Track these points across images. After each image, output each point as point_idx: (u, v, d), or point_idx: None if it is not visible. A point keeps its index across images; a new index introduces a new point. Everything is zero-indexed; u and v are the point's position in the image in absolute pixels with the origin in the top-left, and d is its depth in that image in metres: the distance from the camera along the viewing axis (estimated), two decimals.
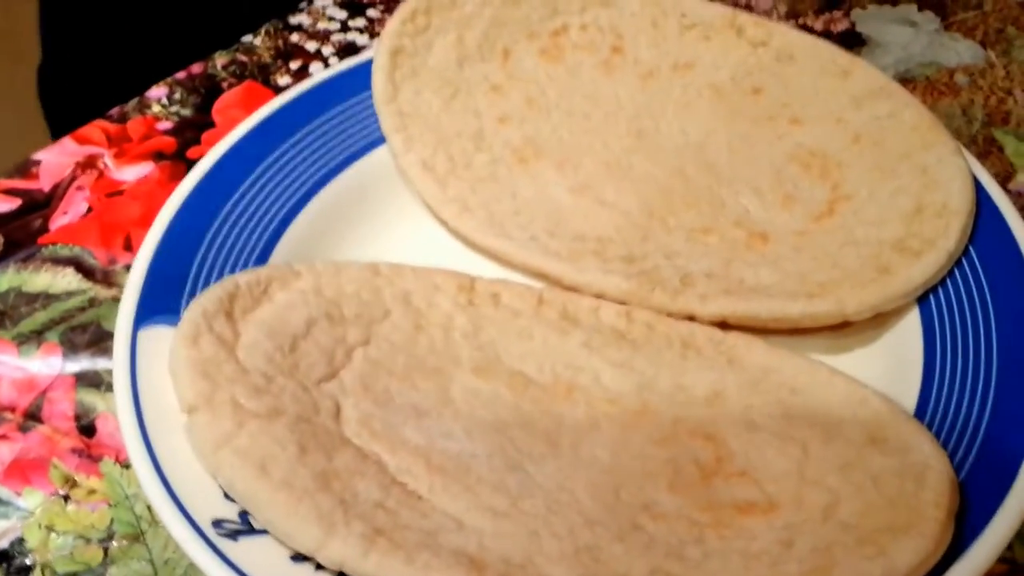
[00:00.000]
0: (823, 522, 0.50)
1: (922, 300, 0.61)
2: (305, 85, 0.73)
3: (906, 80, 0.87)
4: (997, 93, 0.86)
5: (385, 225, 0.70)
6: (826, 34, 0.93)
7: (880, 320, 0.61)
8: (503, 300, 0.62)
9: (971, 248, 0.62)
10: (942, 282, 0.61)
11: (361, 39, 0.94)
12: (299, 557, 0.49)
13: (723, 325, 0.60)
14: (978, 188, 0.64)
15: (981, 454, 0.52)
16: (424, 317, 0.60)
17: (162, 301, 0.59)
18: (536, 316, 0.61)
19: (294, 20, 0.96)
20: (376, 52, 0.72)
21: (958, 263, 0.61)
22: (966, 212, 0.61)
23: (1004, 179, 0.78)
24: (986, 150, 0.80)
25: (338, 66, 0.75)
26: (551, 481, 0.52)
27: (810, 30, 0.93)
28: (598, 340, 0.60)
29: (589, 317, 0.61)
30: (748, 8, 0.96)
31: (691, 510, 0.51)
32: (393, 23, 0.72)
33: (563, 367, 0.59)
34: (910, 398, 0.57)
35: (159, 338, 0.56)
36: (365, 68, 0.72)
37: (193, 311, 0.55)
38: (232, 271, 0.62)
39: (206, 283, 0.61)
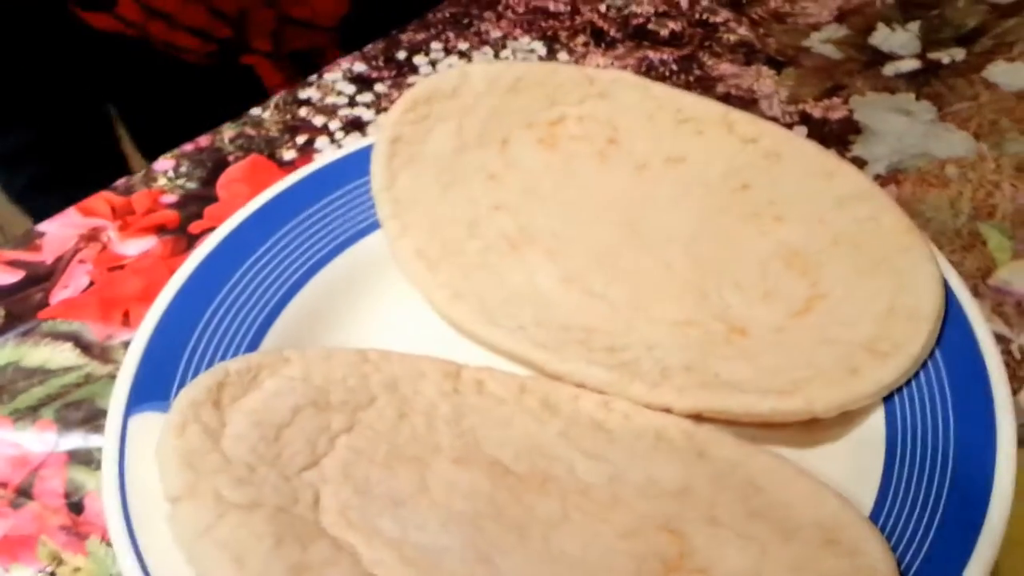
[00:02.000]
0: None
1: (888, 399, 0.62)
2: (305, 171, 0.75)
3: (899, 171, 0.89)
4: (985, 186, 0.87)
5: (380, 310, 0.71)
6: (824, 121, 0.95)
7: (847, 417, 0.62)
8: (487, 387, 0.63)
9: (937, 352, 0.63)
10: (907, 383, 0.62)
11: (367, 114, 0.95)
12: None
13: (698, 417, 0.62)
14: (948, 292, 0.65)
15: (928, 558, 0.54)
16: (409, 404, 0.61)
17: (154, 388, 0.60)
18: (518, 404, 0.62)
19: (303, 94, 0.98)
20: (377, 139, 0.74)
21: (923, 365, 0.63)
22: (934, 318, 0.63)
23: (985, 273, 0.79)
24: (970, 243, 0.82)
25: (339, 151, 0.77)
26: (518, 574, 0.54)
27: (810, 116, 0.95)
28: (575, 430, 0.61)
29: (569, 406, 0.62)
30: (750, 93, 0.98)
31: None
32: (395, 112, 0.74)
33: (539, 456, 0.60)
34: (869, 495, 0.59)
35: (149, 425, 0.58)
36: (366, 153, 0.74)
37: (182, 400, 0.56)
38: (225, 357, 0.64)
39: (199, 369, 0.62)
